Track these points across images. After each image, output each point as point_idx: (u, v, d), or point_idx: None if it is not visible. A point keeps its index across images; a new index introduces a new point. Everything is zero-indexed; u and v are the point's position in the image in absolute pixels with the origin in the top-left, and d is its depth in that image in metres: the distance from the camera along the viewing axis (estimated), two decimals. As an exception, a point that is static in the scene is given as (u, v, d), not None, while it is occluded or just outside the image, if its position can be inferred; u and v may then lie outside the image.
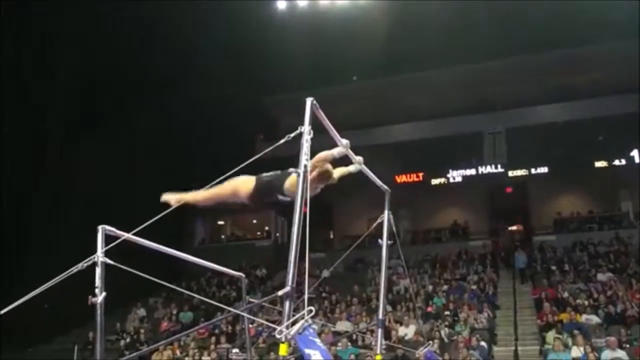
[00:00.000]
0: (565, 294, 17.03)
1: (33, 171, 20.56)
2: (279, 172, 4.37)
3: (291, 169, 3.53)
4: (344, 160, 4.66)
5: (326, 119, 4.04)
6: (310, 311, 2.99)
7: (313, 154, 3.69)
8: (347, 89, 26.10)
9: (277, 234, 27.41)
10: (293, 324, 3.00)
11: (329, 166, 4.26)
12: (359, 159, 4.76)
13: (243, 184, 4.41)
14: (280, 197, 4.35)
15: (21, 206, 19.99)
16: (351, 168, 4.79)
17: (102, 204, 18.60)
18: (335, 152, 4.30)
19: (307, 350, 2.97)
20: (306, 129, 3.58)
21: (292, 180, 4.06)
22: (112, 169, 21.22)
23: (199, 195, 4.50)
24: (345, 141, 4.35)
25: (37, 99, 20.66)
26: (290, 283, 3.19)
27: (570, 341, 13.66)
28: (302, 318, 2.97)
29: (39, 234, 20.34)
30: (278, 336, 2.97)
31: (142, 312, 20.58)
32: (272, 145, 3.95)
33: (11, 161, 18.78)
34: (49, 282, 4.28)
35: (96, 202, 19.38)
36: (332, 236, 27.86)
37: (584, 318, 15.32)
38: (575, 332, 13.84)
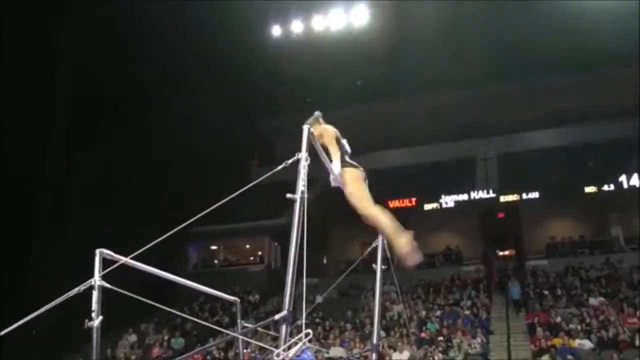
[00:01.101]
0: (558, 319, 17.06)
1: (30, 192, 20.59)
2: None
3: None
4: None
5: (320, 148, 4.15)
6: (308, 334, 3.05)
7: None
8: (340, 113, 26.17)
9: (271, 259, 27.30)
10: (289, 347, 3.05)
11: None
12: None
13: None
14: None
15: (17, 226, 19.95)
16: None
17: (95, 227, 18.57)
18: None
19: (304, 373, 3.01)
20: (303, 155, 3.66)
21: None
22: (106, 193, 21.24)
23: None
24: (337, 170, 4.50)
25: (35, 117, 20.78)
26: (287, 307, 3.24)
27: (563, 366, 13.68)
28: (300, 341, 3.03)
29: (34, 256, 20.29)
30: (276, 359, 3.02)
31: (133, 337, 20.40)
32: (267, 170, 4.03)
33: (8, 181, 18.78)
34: (44, 307, 4.28)
35: (89, 225, 19.35)
36: (325, 261, 27.78)
37: (576, 343, 15.37)
38: (569, 357, 13.88)
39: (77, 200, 21.06)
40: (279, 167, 3.81)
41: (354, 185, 4.52)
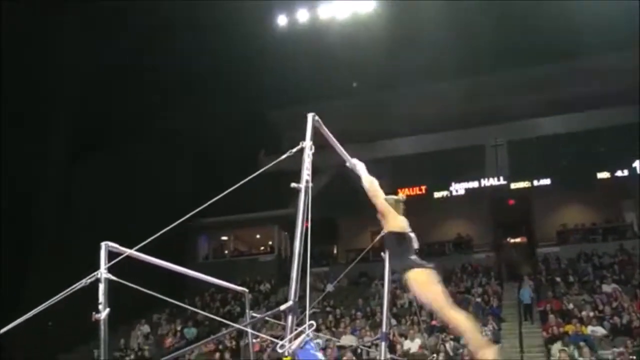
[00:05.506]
0: (571, 306, 16.95)
1: (36, 188, 20.70)
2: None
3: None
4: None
5: (330, 135, 4.08)
6: (312, 325, 3.01)
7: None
8: (349, 102, 26.19)
9: (281, 249, 27.35)
10: (296, 338, 3.02)
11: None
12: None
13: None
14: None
15: (23, 223, 20.06)
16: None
17: (104, 221, 18.66)
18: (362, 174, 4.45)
19: (308, 364, 2.98)
20: (307, 144, 3.61)
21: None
22: (115, 186, 21.32)
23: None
24: (354, 160, 4.45)
25: (42, 119, 20.89)
26: (292, 297, 3.20)
27: (576, 353, 13.59)
28: (304, 332, 2.99)
29: (41, 250, 20.42)
30: (280, 350, 2.99)
31: (146, 328, 20.52)
32: (274, 160, 3.98)
33: (14, 178, 18.88)
34: (51, 300, 4.28)
35: (98, 219, 19.46)
36: (335, 250, 27.80)
37: (589, 330, 15.26)
38: (581, 344, 13.78)
39: (80, 216, 21.14)
40: (283, 157, 3.76)
41: (431, 288, 4.13)
